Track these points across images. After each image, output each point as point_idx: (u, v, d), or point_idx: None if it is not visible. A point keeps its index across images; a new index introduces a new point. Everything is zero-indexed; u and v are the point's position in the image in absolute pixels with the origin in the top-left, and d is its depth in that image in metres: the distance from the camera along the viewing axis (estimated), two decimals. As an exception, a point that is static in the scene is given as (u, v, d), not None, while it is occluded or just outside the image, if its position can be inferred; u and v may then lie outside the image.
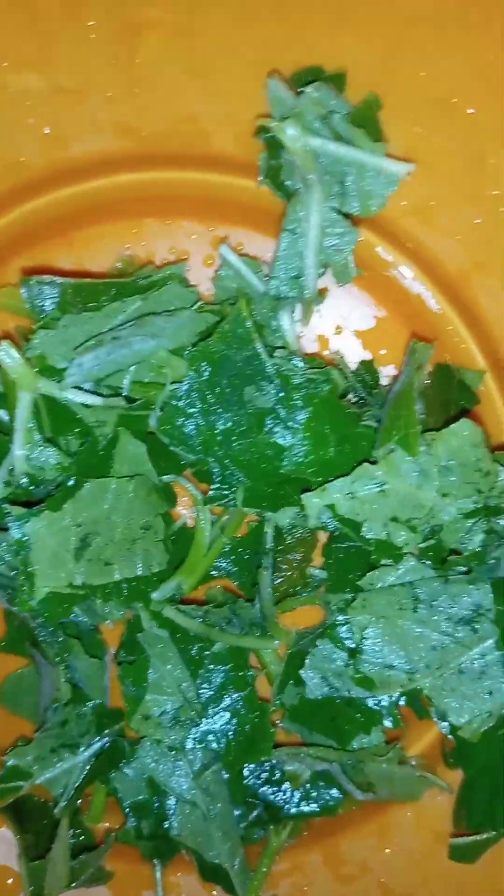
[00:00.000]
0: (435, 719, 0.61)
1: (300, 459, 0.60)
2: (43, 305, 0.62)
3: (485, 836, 0.61)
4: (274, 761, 0.66)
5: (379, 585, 0.61)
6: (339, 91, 0.60)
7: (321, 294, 0.64)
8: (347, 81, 0.60)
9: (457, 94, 0.61)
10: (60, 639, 0.64)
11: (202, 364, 0.59)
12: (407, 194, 0.62)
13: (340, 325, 0.67)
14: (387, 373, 0.67)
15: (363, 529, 0.58)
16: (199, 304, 0.62)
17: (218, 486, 0.61)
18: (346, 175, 0.59)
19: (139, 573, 0.61)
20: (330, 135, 0.58)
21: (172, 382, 0.60)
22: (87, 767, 0.65)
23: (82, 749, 0.65)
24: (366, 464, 0.57)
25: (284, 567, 0.66)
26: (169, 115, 0.63)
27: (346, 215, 0.60)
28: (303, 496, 0.58)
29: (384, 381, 0.67)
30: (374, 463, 0.57)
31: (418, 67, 0.61)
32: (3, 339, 0.58)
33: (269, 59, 0.61)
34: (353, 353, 0.67)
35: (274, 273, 0.61)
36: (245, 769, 0.66)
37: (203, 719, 0.63)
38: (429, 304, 0.64)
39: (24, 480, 0.60)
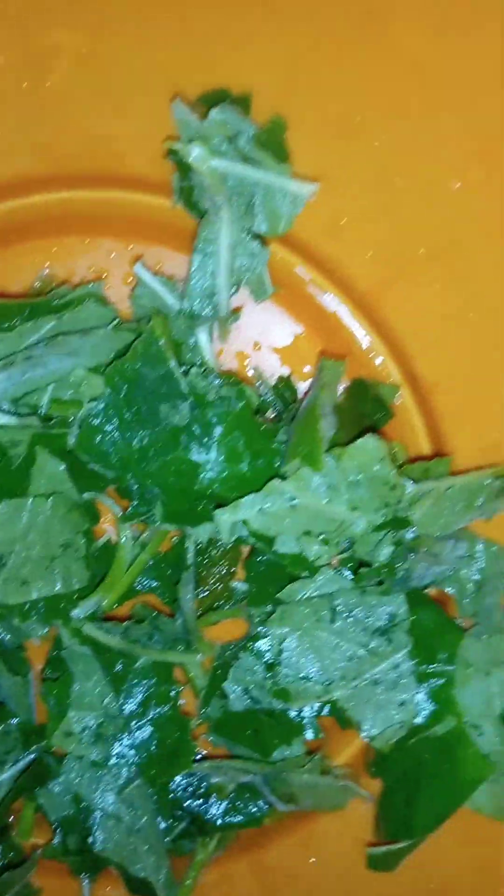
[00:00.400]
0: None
1: (214, 475, 0.60)
2: (-46, 327, 0.62)
3: (401, 844, 0.61)
4: (200, 774, 0.66)
5: (298, 598, 0.62)
6: (245, 112, 0.61)
7: (235, 312, 0.65)
8: (253, 103, 0.61)
9: (359, 112, 0.62)
10: (-18, 657, 0.64)
11: (118, 382, 0.60)
12: (318, 213, 0.63)
13: (259, 342, 0.68)
14: (306, 388, 0.68)
15: (276, 544, 0.59)
16: (116, 322, 0.63)
17: (137, 502, 0.61)
18: (253, 196, 0.60)
19: (58, 591, 0.61)
20: (237, 156, 0.59)
21: (90, 401, 0.61)
22: (14, 785, 0.65)
23: (8, 766, 0.65)
24: (275, 479, 0.58)
25: (210, 580, 0.67)
26: (82, 136, 0.63)
27: (257, 235, 0.61)
28: (214, 512, 0.58)
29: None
30: (284, 479, 0.58)
31: (321, 88, 0.62)
32: None
33: (176, 80, 0.61)
34: (273, 370, 0.68)
35: (187, 292, 0.62)
36: (171, 782, 0.66)
37: (125, 734, 0.63)
38: (344, 320, 0.65)
39: None
